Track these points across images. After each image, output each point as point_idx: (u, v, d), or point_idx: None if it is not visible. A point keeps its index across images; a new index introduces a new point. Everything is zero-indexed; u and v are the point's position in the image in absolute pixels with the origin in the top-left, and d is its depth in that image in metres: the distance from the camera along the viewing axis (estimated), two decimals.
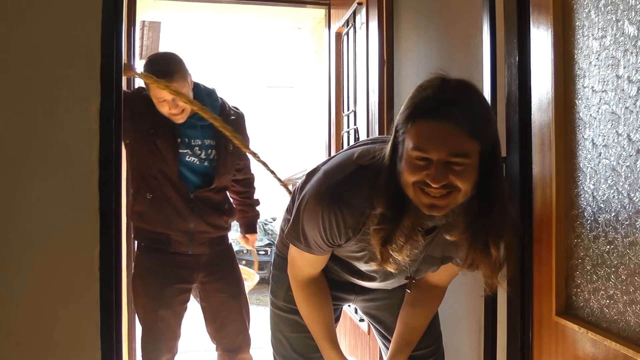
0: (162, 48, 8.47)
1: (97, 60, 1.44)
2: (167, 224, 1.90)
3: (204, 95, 1.99)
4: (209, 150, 1.97)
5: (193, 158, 1.93)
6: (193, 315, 2.26)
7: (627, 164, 0.95)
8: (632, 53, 0.94)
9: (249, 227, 2.26)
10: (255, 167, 2.22)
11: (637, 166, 0.93)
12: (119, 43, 1.48)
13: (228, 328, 2.02)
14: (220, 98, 2.07)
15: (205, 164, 1.96)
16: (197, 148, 1.93)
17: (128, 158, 1.99)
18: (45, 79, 1.43)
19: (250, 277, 2.46)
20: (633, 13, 0.93)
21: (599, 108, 1.03)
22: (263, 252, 7.44)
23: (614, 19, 0.99)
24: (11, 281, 1.42)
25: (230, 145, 1.99)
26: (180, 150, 1.90)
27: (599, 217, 1.03)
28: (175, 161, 1.89)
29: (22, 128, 1.42)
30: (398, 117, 1.05)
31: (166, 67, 1.82)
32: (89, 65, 1.44)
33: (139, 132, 1.89)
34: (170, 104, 1.82)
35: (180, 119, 1.89)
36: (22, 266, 1.42)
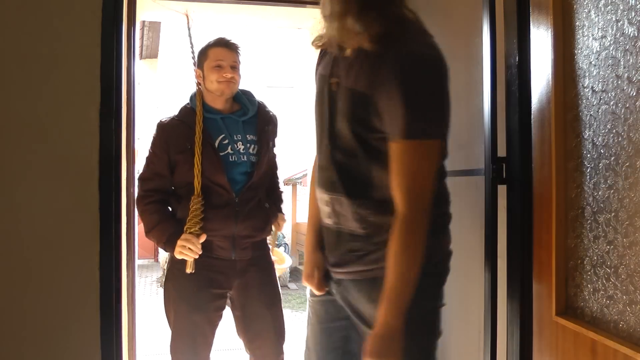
0: (162, 48, 8.50)
1: (97, 60, 1.45)
2: (211, 231, 1.85)
3: (240, 94, 2.02)
4: (251, 146, 1.95)
5: (235, 156, 1.91)
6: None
7: (627, 164, 0.95)
8: (632, 53, 0.94)
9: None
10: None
11: (637, 166, 0.93)
12: (119, 43, 1.48)
13: (262, 338, 1.94)
14: (257, 100, 2.09)
15: (246, 159, 1.93)
16: (239, 143, 1.92)
17: (177, 171, 1.92)
18: (45, 80, 1.43)
19: (282, 260, 2.37)
20: (633, 13, 0.93)
21: (599, 108, 1.03)
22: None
23: (614, 19, 0.99)
24: (11, 281, 1.42)
25: (271, 142, 2.01)
26: (221, 153, 1.88)
27: (599, 217, 1.03)
28: (219, 166, 1.86)
29: (22, 129, 1.42)
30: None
31: (232, 41, 1.98)
32: (89, 66, 1.44)
33: (180, 152, 1.88)
34: (226, 70, 1.89)
35: (228, 90, 1.90)
36: (22, 266, 1.42)
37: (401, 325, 1.07)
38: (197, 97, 1.94)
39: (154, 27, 8.20)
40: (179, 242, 1.79)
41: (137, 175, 2.26)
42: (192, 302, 1.85)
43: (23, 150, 1.43)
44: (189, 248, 1.78)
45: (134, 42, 2.31)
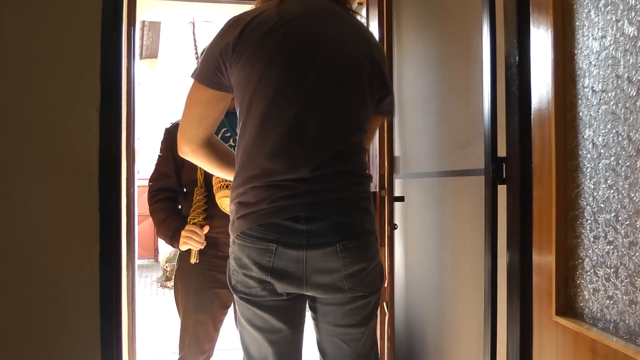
0: (162, 48, 8.49)
1: (97, 60, 1.45)
2: (216, 228, 1.87)
3: None
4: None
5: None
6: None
7: (627, 164, 0.95)
8: (632, 53, 0.94)
9: None
10: None
11: (637, 166, 0.93)
12: (119, 43, 1.48)
13: None
14: None
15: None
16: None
17: (184, 171, 1.96)
18: (45, 80, 1.43)
19: None
20: (633, 13, 0.93)
21: (599, 108, 1.03)
22: None
23: (614, 19, 0.99)
24: (11, 281, 1.42)
25: None
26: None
27: (599, 217, 1.03)
28: None
29: (22, 129, 1.42)
30: None
31: None
32: (89, 66, 1.44)
33: None
34: None
35: None
36: (22, 266, 1.42)
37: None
38: None
39: (154, 27, 8.19)
40: (183, 233, 1.85)
41: (137, 175, 2.27)
42: (196, 300, 1.89)
43: (23, 150, 1.43)
44: (193, 238, 1.83)
45: (134, 42, 2.31)
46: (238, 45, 1.21)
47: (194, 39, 2.12)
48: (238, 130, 1.28)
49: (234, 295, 1.28)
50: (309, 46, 1.21)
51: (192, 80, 1.29)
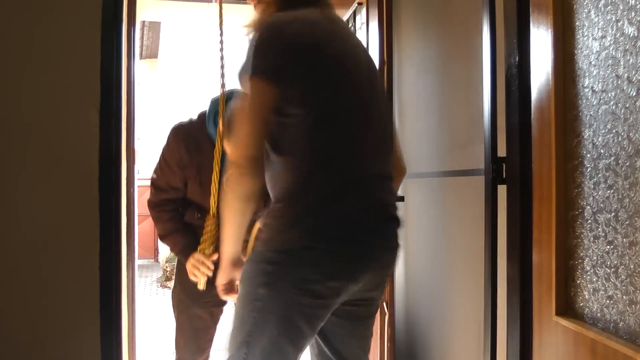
0: (162, 48, 8.49)
1: (97, 60, 1.45)
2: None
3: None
4: None
5: None
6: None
7: (627, 164, 0.95)
8: (631, 53, 0.94)
9: None
10: None
11: (637, 166, 0.93)
12: (119, 43, 1.48)
13: None
14: None
15: None
16: None
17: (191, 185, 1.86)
18: (45, 80, 1.43)
19: None
20: (633, 13, 0.93)
21: (599, 108, 1.03)
22: None
23: (614, 19, 0.99)
24: (11, 281, 1.42)
25: None
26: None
27: (599, 217, 1.03)
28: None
29: (22, 129, 1.42)
30: None
31: None
32: (89, 66, 1.45)
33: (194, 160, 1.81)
34: None
35: None
36: (22, 266, 1.43)
37: (224, 260, 1.27)
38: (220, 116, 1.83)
39: (154, 27, 8.19)
40: (191, 262, 1.78)
41: (137, 175, 2.23)
42: (194, 296, 1.87)
43: (23, 150, 1.43)
44: (201, 270, 1.77)
45: (134, 42, 2.31)
46: (302, 58, 1.12)
47: (220, 21, 1.78)
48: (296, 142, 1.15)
49: (300, 299, 1.12)
50: (352, 61, 1.24)
51: (247, 79, 1.11)
